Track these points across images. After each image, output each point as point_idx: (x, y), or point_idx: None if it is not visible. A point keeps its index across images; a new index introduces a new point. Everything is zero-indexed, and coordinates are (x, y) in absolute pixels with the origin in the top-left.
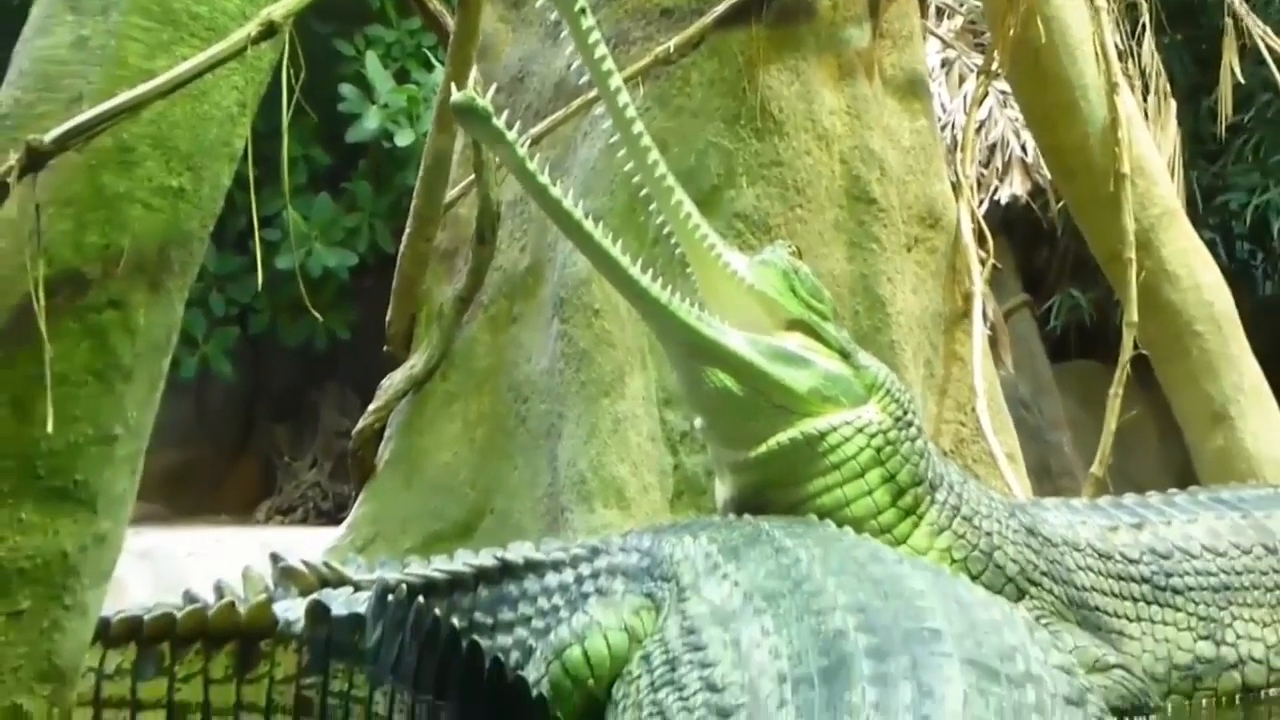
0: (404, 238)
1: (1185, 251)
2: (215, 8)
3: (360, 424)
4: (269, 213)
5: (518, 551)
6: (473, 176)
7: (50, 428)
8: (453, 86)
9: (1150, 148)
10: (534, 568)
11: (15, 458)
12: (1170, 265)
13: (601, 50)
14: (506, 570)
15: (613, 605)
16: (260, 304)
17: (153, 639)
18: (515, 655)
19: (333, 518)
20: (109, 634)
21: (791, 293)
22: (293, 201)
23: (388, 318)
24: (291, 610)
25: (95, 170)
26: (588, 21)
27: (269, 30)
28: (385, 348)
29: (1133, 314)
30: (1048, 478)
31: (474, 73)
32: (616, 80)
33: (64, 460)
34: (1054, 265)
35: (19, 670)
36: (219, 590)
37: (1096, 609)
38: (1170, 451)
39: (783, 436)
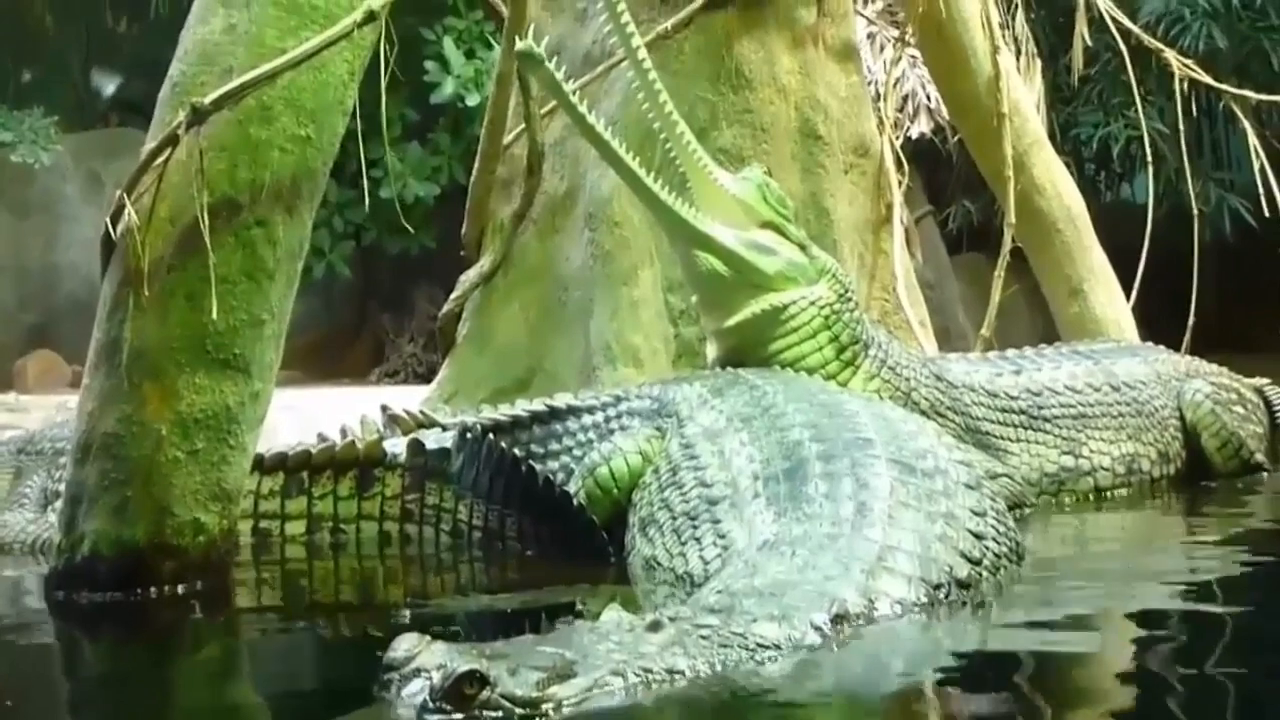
0: (474, 171)
1: (1050, 170)
2: (330, 0)
3: (444, 309)
4: (374, 156)
5: (561, 399)
6: (524, 125)
7: (215, 315)
8: (516, 39)
9: (1023, 94)
10: (573, 411)
11: (190, 338)
12: (1039, 180)
13: (627, 19)
14: (553, 414)
15: (631, 436)
16: (369, 224)
17: (295, 468)
18: (560, 475)
19: (427, 379)
20: (263, 466)
21: (764, 201)
22: (391, 148)
23: (463, 231)
24: (397, 446)
25: (243, 124)
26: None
27: (370, 16)
28: (462, 253)
29: (1011, 217)
30: (946, 340)
31: (529, 37)
32: (638, 41)
33: (226, 338)
34: (950, 184)
35: (197, 493)
36: (343, 432)
37: (987, 433)
38: (1037, 318)
39: (756, 307)
